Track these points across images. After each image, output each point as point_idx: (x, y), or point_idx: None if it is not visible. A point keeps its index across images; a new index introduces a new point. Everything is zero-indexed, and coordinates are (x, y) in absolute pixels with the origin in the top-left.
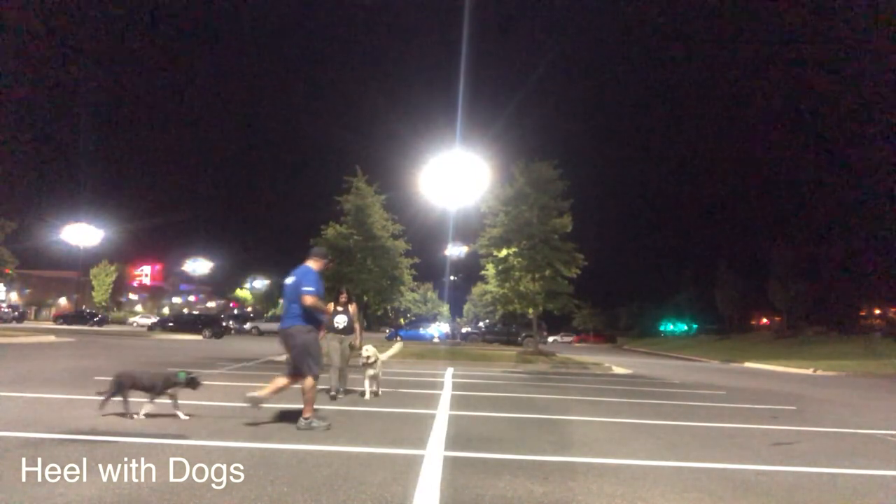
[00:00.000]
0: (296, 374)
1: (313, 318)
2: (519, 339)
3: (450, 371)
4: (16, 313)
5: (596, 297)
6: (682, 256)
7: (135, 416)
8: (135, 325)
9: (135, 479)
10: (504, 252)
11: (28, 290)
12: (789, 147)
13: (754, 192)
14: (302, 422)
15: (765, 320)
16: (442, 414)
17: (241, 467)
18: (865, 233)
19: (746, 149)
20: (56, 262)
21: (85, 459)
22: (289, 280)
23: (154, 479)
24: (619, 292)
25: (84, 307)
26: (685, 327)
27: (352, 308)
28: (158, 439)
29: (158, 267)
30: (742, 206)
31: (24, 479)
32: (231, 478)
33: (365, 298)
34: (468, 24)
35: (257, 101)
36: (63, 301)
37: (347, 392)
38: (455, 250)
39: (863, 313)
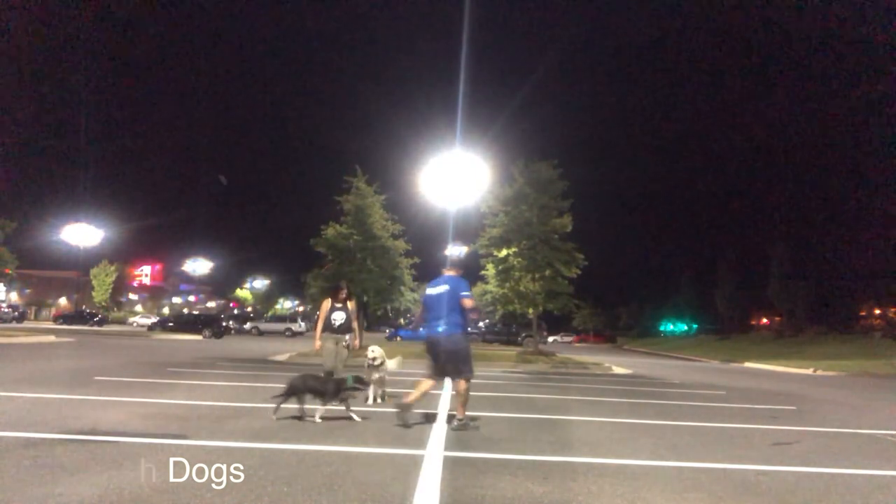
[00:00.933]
0: (440, 376)
1: (467, 325)
2: (519, 339)
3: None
4: (16, 313)
5: (596, 297)
6: (682, 256)
7: (313, 420)
8: (135, 325)
9: (135, 479)
10: (504, 252)
11: (28, 290)
12: (789, 147)
13: (754, 191)
14: (456, 422)
15: (765, 320)
16: (442, 414)
17: (241, 467)
18: (865, 233)
19: (747, 149)
20: (56, 262)
21: (85, 459)
22: (437, 290)
23: (154, 479)
24: (619, 292)
25: (84, 307)
26: (685, 327)
27: (350, 305)
28: (158, 439)
29: (158, 267)
30: (742, 205)
31: (23, 479)
32: (231, 478)
33: (365, 298)
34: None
35: (257, 102)
36: (63, 301)
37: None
38: (455, 250)
39: (863, 313)
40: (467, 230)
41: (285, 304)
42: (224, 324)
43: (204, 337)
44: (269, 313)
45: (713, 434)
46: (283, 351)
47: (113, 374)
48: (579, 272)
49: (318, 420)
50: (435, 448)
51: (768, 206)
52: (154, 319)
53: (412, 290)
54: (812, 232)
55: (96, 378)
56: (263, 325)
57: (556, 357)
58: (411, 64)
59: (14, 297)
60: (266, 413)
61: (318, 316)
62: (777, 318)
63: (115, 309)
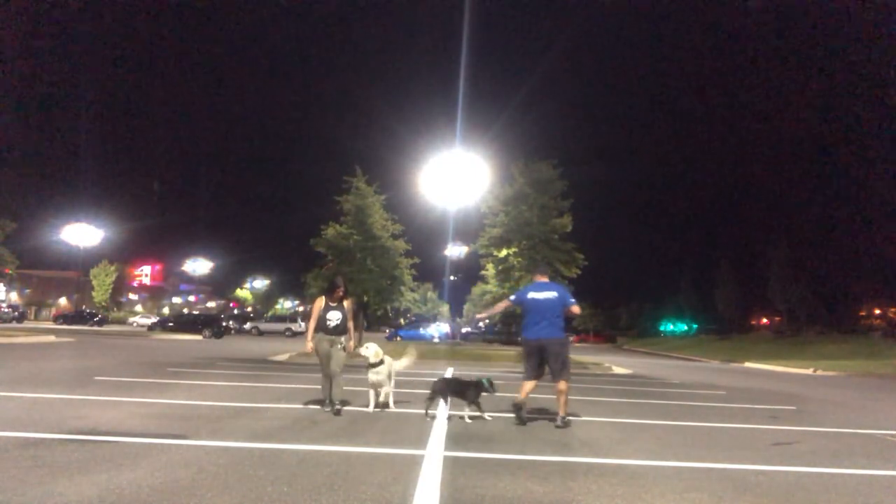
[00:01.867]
0: (540, 377)
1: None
2: (519, 339)
3: (450, 371)
4: (16, 313)
5: (596, 297)
6: (682, 256)
7: (462, 419)
8: (135, 325)
9: (135, 479)
10: (504, 252)
11: (28, 290)
12: (790, 147)
13: (755, 191)
14: (559, 420)
15: (765, 320)
16: (442, 414)
17: (241, 467)
18: (865, 233)
19: (747, 149)
20: (56, 262)
21: (85, 459)
22: (543, 295)
23: (154, 479)
24: (619, 292)
25: (84, 307)
26: (685, 327)
27: (347, 304)
28: (158, 439)
29: (158, 267)
30: (742, 205)
31: (23, 479)
32: (231, 478)
33: (365, 298)
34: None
35: (258, 102)
36: (63, 301)
37: (343, 405)
38: (455, 250)
39: (863, 313)
40: (467, 230)
41: (285, 304)
42: (224, 324)
43: (204, 337)
44: (269, 313)
45: (713, 434)
46: (283, 351)
47: (113, 374)
48: (579, 272)
49: (467, 419)
50: (435, 448)
51: (768, 206)
52: (154, 319)
53: (412, 290)
54: (812, 232)
55: (96, 378)
56: (263, 325)
57: None
58: (411, 64)
59: (14, 297)
60: (266, 413)
61: (310, 315)
62: (777, 318)
63: (115, 309)
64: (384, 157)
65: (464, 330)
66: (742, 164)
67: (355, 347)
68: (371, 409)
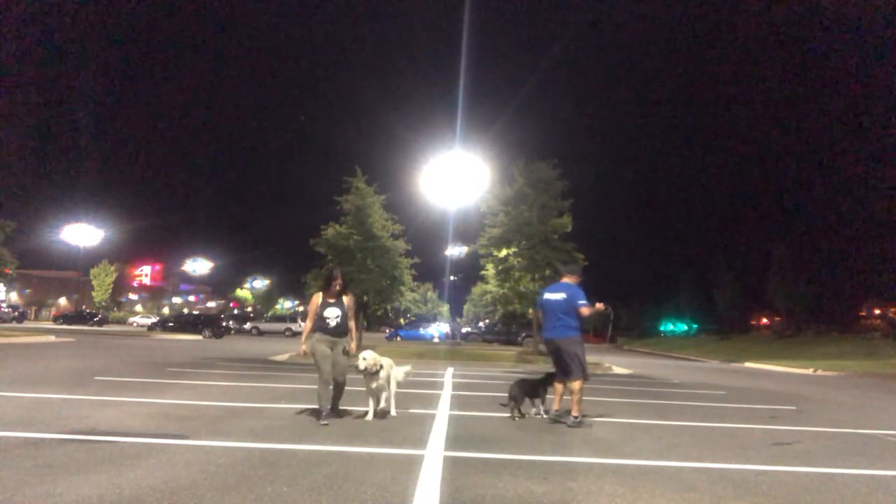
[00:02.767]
0: (566, 377)
1: (581, 329)
2: (519, 339)
3: (450, 371)
4: (16, 313)
5: (596, 297)
6: (682, 256)
7: (541, 417)
8: (135, 325)
9: (135, 479)
10: (504, 252)
11: (28, 290)
12: (790, 147)
13: (755, 191)
14: (571, 420)
15: (765, 320)
16: (442, 414)
17: (241, 467)
18: (865, 233)
19: (747, 148)
20: (56, 262)
21: (85, 459)
22: (554, 296)
23: (154, 479)
24: (619, 292)
25: (84, 307)
26: (685, 327)
27: (347, 300)
28: (158, 439)
29: (158, 267)
30: (742, 205)
31: (23, 479)
32: (231, 478)
33: (365, 298)
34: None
35: (257, 102)
36: (63, 301)
37: (342, 414)
38: (455, 250)
39: (863, 313)
40: (467, 230)
41: (285, 304)
42: (224, 324)
43: (204, 337)
44: (269, 313)
45: (713, 434)
46: (283, 351)
47: (113, 374)
48: None
49: (544, 416)
50: (435, 448)
51: (768, 206)
52: (154, 319)
53: (412, 290)
54: (812, 232)
55: (96, 378)
56: (263, 325)
57: None
58: (411, 64)
59: (14, 297)
60: (266, 413)
61: (308, 314)
62: (777, 318)
63: (115, 309)
64: (384, 157)
65: (464, 330)
66: (742, 163)
67: (355, 351)
68: (370, 417)
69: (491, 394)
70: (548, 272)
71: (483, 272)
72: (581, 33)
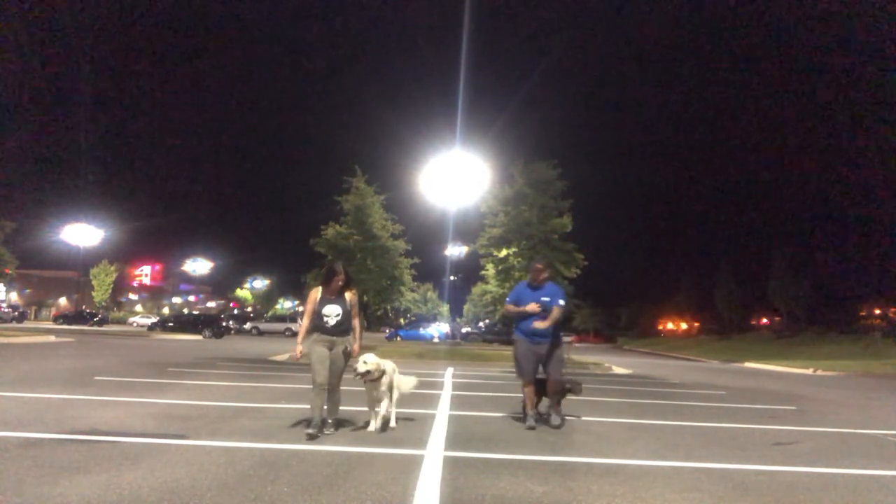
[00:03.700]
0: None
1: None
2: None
3: (450, 371)
4: (16, 313)
5: (596, 297)
6: (682, 256)
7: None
8: (135, 325)
9: (135, 479)
10: (504, 252)
11: (28, 290)
12: (790, 147)
13: (755, 192)
14: (557, 420)
15: (765, 320)
16: (442, 414)
17: (241, 467)
18: (865, 233)
19: (747, 149)
20: (56, 262)
21: (85, 459)
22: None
23: (154, 479)
24: (619, 292)
25: (84, 307)
26: (685, 327)
27: (350, 296)
28: (158, 439)
29: (158, 267)
30: (742, 206)
31: (23, 479)
32: (231, 478)
33: (365, 298)
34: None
35: (257, 102)
36: (63, 301)
37: (339, 425)
38: (455, 250)
39: (863, 313)
40: (467, 230)
41: (285, 304)
42: (224, 324)
43: (204, 337)
44: (269, 313)
45: (713, 434)
46: (283, 351)
47: (113, 373)
48: (579, 272)
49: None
50: (435, 448)
51: (769, 207)
52: (154, 319)
53: (412, 290)
54: (812, 232)
55: (96, 378)
56: (263, 325)
57: None
58: (411, 64)
59: (14, 297)
60: (266, 413)
61: (304, 311)
62: (777, 318)
63: (115, 309)
64: (384, 157)
65: (464, 330)
66: (742, 164)
67: (359, 352)
68: (373, 428)
69: (491, 394)
70: (548, 272)
71: (483, 272)
72: (581, 33)
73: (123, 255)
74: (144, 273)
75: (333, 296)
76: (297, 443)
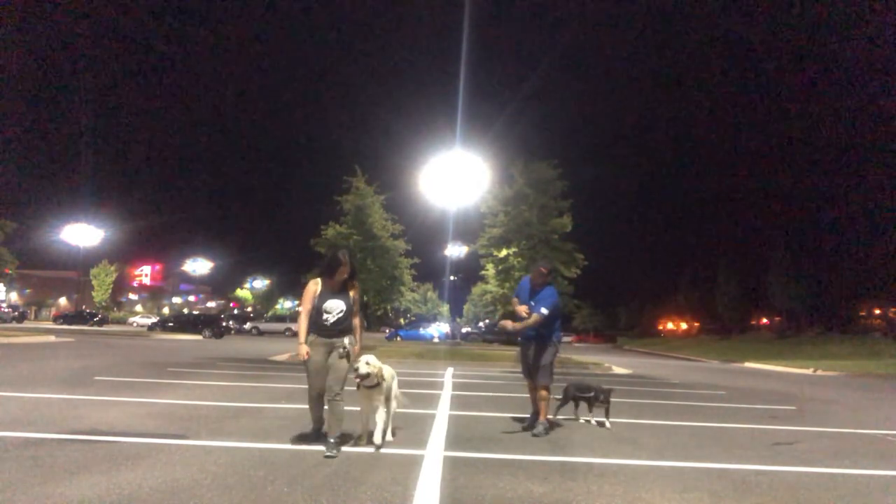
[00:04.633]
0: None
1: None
2: (519, 339)
3: (450, 371)
4: (16, 313)
5: (596, 297)
6: (682, 256)
7: (589, 422)
8: (135, 325)
9: (135, 479)
10: (504, 252)
11: (28, 290)
12: (790, 147)
13: (755, 191)
14: (542, 426)
15: (765, 320)
16: (442, 414)
17: (241, 467)
18: (865, 233)
19: (747, 149)
20: (56, 262)
21: (85, 459)
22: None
23: (154, 479)
24: (619, 292)
25: (84, 307)
26: (685, 327)
27: (353, 292)
28: (158, 439)
29: (158, 267)
30: (742, 205)
31: (23, 479)
32: (231, 478)
33: (365, 298)
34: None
35: (258, 102)
36: (63, 301)
37: (343, 442)
38: (455, 250)
39: (863, 313)
40: (467, 230)
41: (285, 304)
42: (224, 324)
43: (204, 337)
44: (269, 313)
45: (713, 434)
46: (283, 351)
47: (113, 374)
48: (579, 272)
49: (593, 422)
50: (435, 448)
51: (768, 206)
52: (154, 319)
53: (412, 290)
54: (812, 232)
55: (96, 378)
56: (263, 325)
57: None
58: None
59: (14, 297)
60: (266, 413)
61: (300, 308)
62: (777, 318)
63: (115, 309)
64: (384, 157)
65: (464, 330)
66: (742, 164)
67: (359, 351)
68: (378, 440)
69: (491, 394)
70: (549, 278)
71: (483, 272)
72: (581, 33)
73: (123, 255)
74: (144, 273)
75: (336, 289)
76: (297, 443)
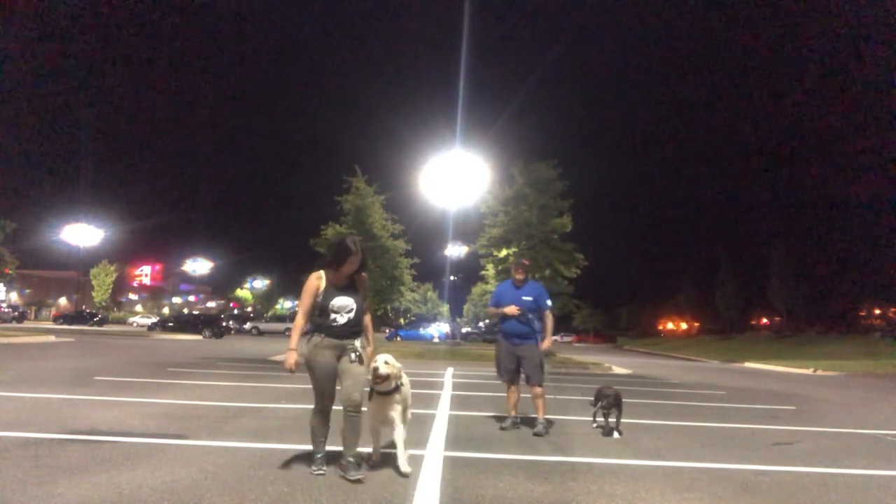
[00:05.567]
0: (527, 382)
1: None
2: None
3: (450, 371)
4: (16, 313)
5: (596, 297)
6: (682, 256)
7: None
8: (135, 325)
9: (135, 479)
10: (504, 252)
11: (28, 290)
12: (790, 147)
13: (755, 192)
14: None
15: (765, 320)
16: (442, 414)
17: (241, 467)
18: (864, 233)
19: (747, 149)
20: (56, 262)
21: (85, 459)
22: (524, 295)
23: (154, 479)
24: (619, 292)
25: (84, 307)
26: (685, 327)
27: (361, 285)
28: (158, 439)
29: (158, 267)
30: (742, 206)
31: (23, 479)
32: (231, 478)
33: None
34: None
35: (258, 102)
36: (63, 301)
37: (359, 463)
38: (455, 250)
39: (863, 313)
40: (467, 230)
41: (285, 304)
42: (224, 324)
43: (204, 337)
44: (269, 313)
45: (713, 434)
46: (283, 351)
47: (113, 374)
48: (579, 272)
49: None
50: (435, 448)
51: (768, 207)
52: (154, 319)
53: (412, 290)
54: (812, 232)
55: (96, 378)
56: (263, 325)
57: (555, 357)
58: (411, 64)
59: (14, 297)
60: (266, 413)
61: (299, 306)
62: (777, 318)
63: (115, 309)
64: (384, 157)
65: (464, 330)
66: (743, 164)
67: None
68: (407, 468)
69: (491, 394)
70: (548, 272)
71: (483, 272)
72: (582, 34)
73: (123, 255)
74: (144, 273)
75: (342, 284)
76: (298, 443)
